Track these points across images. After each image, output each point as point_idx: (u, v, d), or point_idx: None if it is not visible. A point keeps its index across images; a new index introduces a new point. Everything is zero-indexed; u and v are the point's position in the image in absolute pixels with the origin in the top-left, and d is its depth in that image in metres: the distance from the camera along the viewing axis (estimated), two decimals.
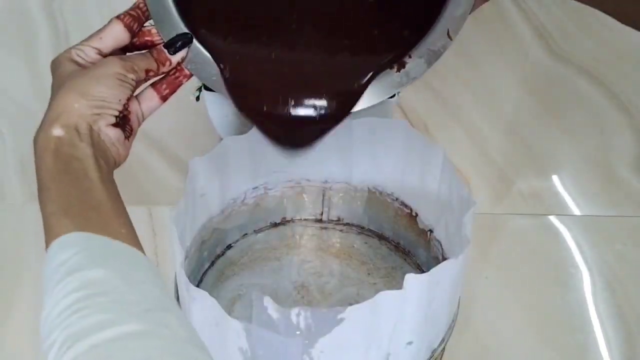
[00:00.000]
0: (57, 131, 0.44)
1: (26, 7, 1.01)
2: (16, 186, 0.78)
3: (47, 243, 0.39)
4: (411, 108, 0.88)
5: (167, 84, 0.51)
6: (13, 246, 0.72)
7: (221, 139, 0.61)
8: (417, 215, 0.65)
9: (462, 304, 0.59)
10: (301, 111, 0.49)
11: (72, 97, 0.45)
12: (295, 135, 0.51)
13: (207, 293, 0.45)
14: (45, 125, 0.44)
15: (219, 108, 0.75)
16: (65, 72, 0.47)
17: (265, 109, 0.50)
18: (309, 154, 0.52)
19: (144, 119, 0.51)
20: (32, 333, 0.65)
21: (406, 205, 0.66)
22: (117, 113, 0.46)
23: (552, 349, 0.65)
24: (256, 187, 0.66)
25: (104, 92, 0.46)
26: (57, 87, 0.47)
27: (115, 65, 0.47)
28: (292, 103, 0.49)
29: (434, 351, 0.54)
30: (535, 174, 0.82)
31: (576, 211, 0.78)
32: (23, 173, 0.79)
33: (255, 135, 0.60)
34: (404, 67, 0.50)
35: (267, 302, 0.44)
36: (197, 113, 0.81)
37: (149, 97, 0.51)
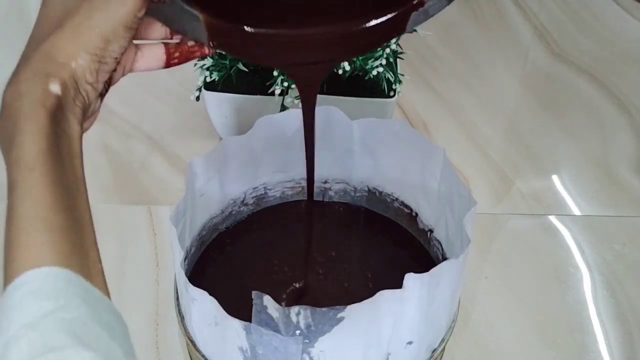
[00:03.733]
0: (56, 88, 0.34)
1: (26, 7, 1.01)
2: None
3: (16, 261, 0.30)
4: (411, 108, 0.88)
5: (182, 51, 0.42)
6: None
7: (221, 139, 0.61)
8: (417, 215, 0.65)
9: (462, 304, 0.59)
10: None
11: (78, 44, 0.34)
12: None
13: (207, 293, 0.45)
14: (40, 71, 0.34)
15: (219, 108, 0.75)
16: None
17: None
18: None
19: (127, 73, 0.40)
20: None
21: (406, 205, 0.66)
22: (113, 67, 0.37)
23: (552, 349, 0.65)
24: (256, 187, 0.66)
25: (116, 42, 0.36)
26: (56, 14, 0.36)
27: (135, 3, 0.36)
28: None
29: (434, 351, 0.54)
30: (535, 174, 0.82)
31: (576, 211, 0.78)
32: None
33: (255, 135, 0.61)
34: (422, 5, 0.46)
35: (267, 301, 0.44)
36: (197, 113, 0.81)
37: (154, 56, 0.41)
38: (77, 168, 0.33)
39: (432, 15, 0.45)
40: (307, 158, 0.54)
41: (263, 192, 0.67)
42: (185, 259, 0.59)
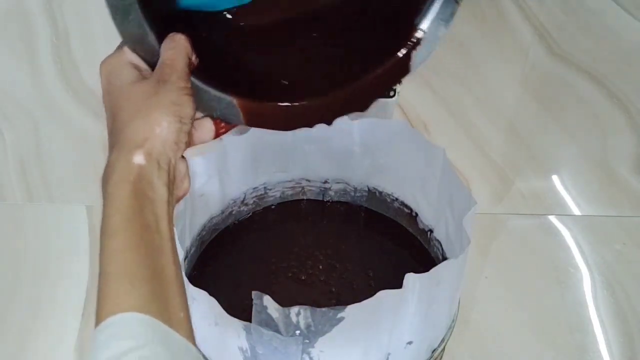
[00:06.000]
0: (139, 158, 0.37)
1: (26, 7, 1.01)
2: (16, 186, 0.78)
3: (103, 309, 0.34)
4: (411, 108, 0.88)
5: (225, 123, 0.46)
6: (13, 246, 0.72)
7: (221, 139, 0.61)
8: (417, 215, 0.65)
9: (462, 304, 0.59)
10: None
11: (154, 117, 0.38)
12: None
13: (207, 293, 0.45)
14: (124, 150, 0.38)
15: None
16: (128, 79, 0.41)
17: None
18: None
19: (188, 147, 0.43)
20: (31, 331, 0.65)
21: (406, 205, 0.66)
22: (190, 127, 0.41)
23: (552, 349, 0.65)
24: (256, 187, 0.66)
25: (186, 114, 0.40)
26: (127, 100, 0.40)
27: (186, 75, 0.41)
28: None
29: (434, 351, 0.54)
30: (535, 174, 0.82)
31: (576, 211, 0.78)
32: (23, 173, 0.79)
33: (255, 135, 0.61)
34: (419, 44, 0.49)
35: (267, 301, 0.44)
36: (197, 113, 0.81)
37: (206, 129, 0.45)
38: (163, 231, 0.37)
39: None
40: None
41: (263, 192, 0.67)
42: (185, 259, 0.59)
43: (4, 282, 0.69)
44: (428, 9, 0.48)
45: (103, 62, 0.42)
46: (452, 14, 0.48)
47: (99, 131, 0.82)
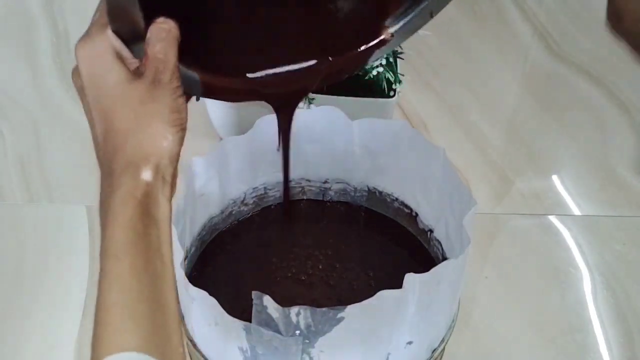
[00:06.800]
0: (147, 175, 0.36)
1: (26, 7, 1.01)
2: (16, 186, 0.78)
3: (101, 345, 0.32)
4: (411, 108, 0.88)
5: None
6: (13, 246, 0.72)
7: (221, 139, 0.61)
8: (417, 215, 0.65)
9: (462, 304, 0.59)
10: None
11: (157, 130, 0.37)
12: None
13: (207, 293, 0.45)
14: (131, 165, 0.36)
15: (219, 108, 0.75)
16: (116, 78, 0.38)
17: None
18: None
19: None
20: (31, 331, 0.65)
21: (406, 205, 0.66)
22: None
23: (552, 349, 0.65)
24: (256, 187, 0.66)
25: (185, 120, 0.38)
26: (121, 106, 0.37)
27: (178, 71, 0.38)
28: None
29: (434, 351, 0.54)
30: (535, 174, 0.82)
31: (576, 211, 0.78)
32: (23, 173, 0.79)
33: (255, 135, 0.61)
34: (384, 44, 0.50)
35: (267, 301, 0.44)
36: (197, 113, 0.81)
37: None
38: (165, 254, 0.36)
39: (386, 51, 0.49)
40: (283, 166, 0.56)
41: (263, 192, 0.67)
42: (185, 259, 0.59)
43: (4, 281, 0.69)
44: (403, 15, 0.48)
45: (81, 46, 0.38)
46: (420, 26, 0.48)
47: None
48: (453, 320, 0.57)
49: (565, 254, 0.73)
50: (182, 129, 0.38)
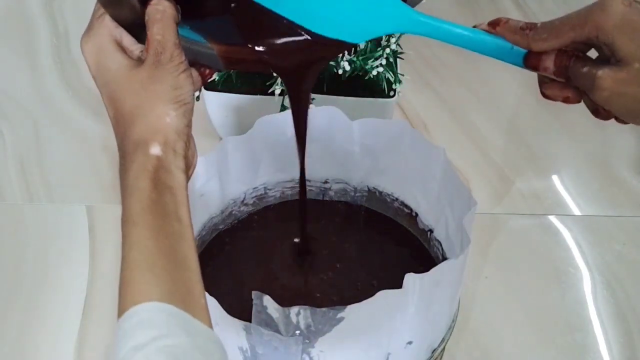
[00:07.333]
0: (156, 150, 0.38)
1: (26, 7, 1.01)
2: (16, 186, 0.78)
3: (126, 298, 0.34)
4: (411, 108, 0.88)
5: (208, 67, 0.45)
6: (13, 246, 0.72)
7: (221, 139, 0.61)
8: (417, 215, 0.65)
9: (462, 304, 0.59)
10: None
11: (160, 109, 0.39)
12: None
13: (207, 293, 0.45)
14: (141, 143, 0.38)
15: (219, 108, 0.75)
16: (119, 66, 0.40)
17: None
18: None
19: None
20: (31, 331, 0.65)
21: (406, 205, 0.66)
22: (192, 103, 0.41)
23: (552, 349, 0.65)
24: (256, 187, 0.66)
25: (188, 93, 0.40)
26: (126, 91, 0.39)
27: (178, 48, 0.40)
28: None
29: (434, 351, 0.54)
30: (535, 174, 0.82)
31: (576, 211, 0.78)
32: (23, 173, 0.79)
33: (255, 135, 0.61)
34: None
35: (267, 301, 0.44)
36: (197, 113, 0.81)
37: (194, 79, 0.44)
38: (183, 216, 0.38)
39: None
40: (299, 158, 0.56)
41: (263, 192, 0.67)
42: None
43: (4, 281, 0.69)
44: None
45: (85, 42, 0.41)
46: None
47: (99, 131, 0.82)
48: (453, 320, 0.57)
49: (565, 254, 0.73)
50: (185, 104, 0.40)
